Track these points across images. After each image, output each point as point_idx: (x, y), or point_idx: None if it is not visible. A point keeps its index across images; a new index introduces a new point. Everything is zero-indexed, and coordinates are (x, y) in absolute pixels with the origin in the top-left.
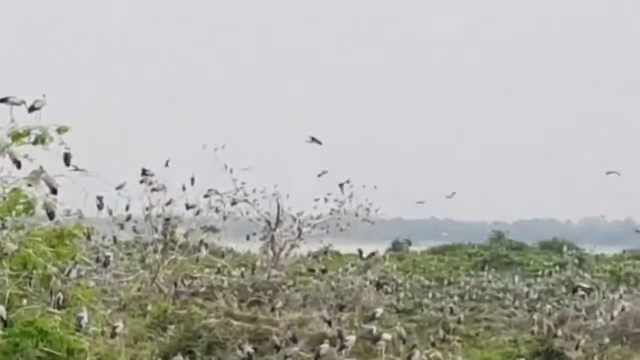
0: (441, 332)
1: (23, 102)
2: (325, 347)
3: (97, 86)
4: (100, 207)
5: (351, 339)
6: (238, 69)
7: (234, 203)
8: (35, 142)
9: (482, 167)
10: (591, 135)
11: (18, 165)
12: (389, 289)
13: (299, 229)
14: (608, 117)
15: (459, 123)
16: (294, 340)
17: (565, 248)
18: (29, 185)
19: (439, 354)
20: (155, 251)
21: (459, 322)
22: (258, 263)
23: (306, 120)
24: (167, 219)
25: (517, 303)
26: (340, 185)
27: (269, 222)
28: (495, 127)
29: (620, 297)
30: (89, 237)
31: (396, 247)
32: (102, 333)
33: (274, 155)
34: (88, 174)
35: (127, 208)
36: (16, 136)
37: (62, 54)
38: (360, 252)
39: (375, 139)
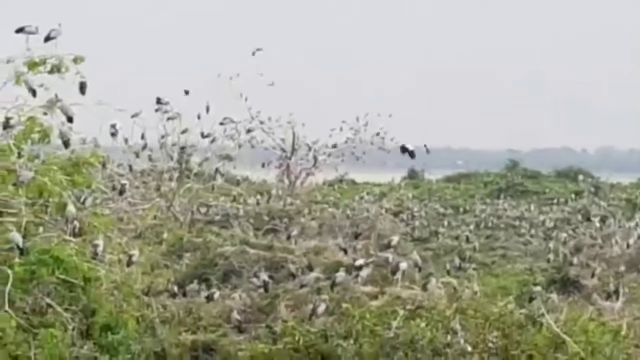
0: (457, 260)
1: (37, 29)
2: (341, 275)
3: (113, 14)
4: (114, 135)
5: (367, 266)
6: None
7: (249, 131)
8: (51, 71)
9: (497, 95)
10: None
11: (33, 93)
12: (405, 217)
13: (315, 157)
14: None
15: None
16: (310, 268)
17: (580, 176)
18: (45, 113)
19: (454, 281)
20: (170, 179)
21: (474, 250)
22: (274, 191)
23: (325, 49)
24: (183, 147)
25: (532, 231)
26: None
27: (284, 150)
28: (521, 54)
29: (636, 225)
30: (104, 166)
31: (412, 175)
32: (118, 261)
33: (290, 84)
34: (103, 102)
35: (142, 136)
36: (32, 65)
37: None
38: None
39: (394, 65)
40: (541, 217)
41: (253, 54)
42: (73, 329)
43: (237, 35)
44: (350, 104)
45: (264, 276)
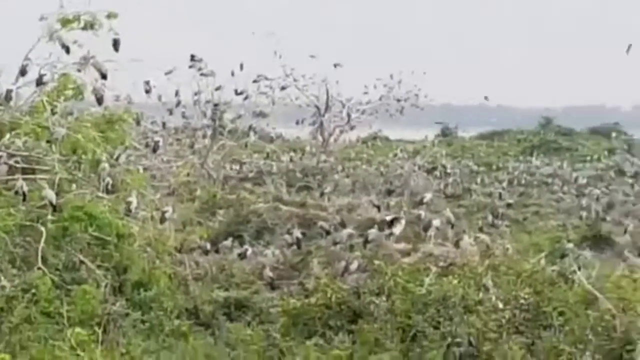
0: (489, 217)
1: None
2: (373, 232)
3: None
4: (148, 92)
5: (400, 223)
6: None
7: (283, 88)
8: (84, 28)
9: (530, 53)
10: None
11: (67, 50)
12: (438, 175)
13: (348, 115)
14: None
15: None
16: (343, 225)
17: (614, 134)
18: (78, 70)
19: (487, 238)
20: (204, 136)
21: (507, 207)
22: (307, 148)
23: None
24: (216, 105)
25: (565, 188)
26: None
27: (318, 108)
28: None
29: None
30: (138, 123)
31: (445, 132)
32: (152, 218)
33: (324, 42)
34: (137, 59)
35: (176, 93)
36: (65, 22)
37: None
38: None
39: (427, 25)
40: (574, 175)
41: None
42: (106, 286)
43: None
44: (384, 60)
45: (297, 233)
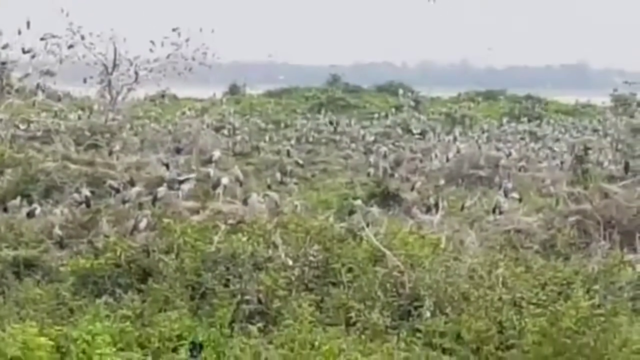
0: (278, 175)
1: None
2: (162, 190)
3: None
4: None
5: (189, 181)
6: None
7: (70, 46)
8: None
9: (317, 11)
10: None
11: None
12: (226, 133)
13: (136, 73)
14: None
15: None
16: (132, 183)
17: (401, 91)
18: None
19: (275, 196)
20: None
21: (295, 164)
22: (95, 107)
23: None
24: (3, 63)
25: (353, 145)
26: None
27: (105, 66)
28: None
29: (455, 139)
30: None
31: (233, 90)
32: None
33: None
34: None
35: None
36: None
37: None
38: None
39: None
40: (362, 132)
41: None
42: None
43: None
44: (173, 18)
45: (86, 192)
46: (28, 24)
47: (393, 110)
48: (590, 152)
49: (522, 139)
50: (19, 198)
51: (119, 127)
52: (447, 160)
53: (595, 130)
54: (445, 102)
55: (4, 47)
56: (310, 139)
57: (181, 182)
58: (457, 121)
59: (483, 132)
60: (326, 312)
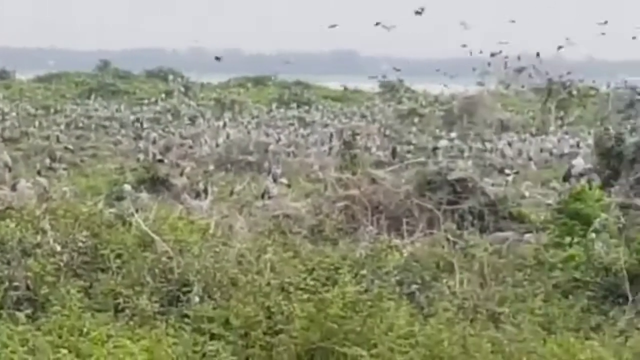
0: (47, 161)
1: None
2: None
3: None
4: None
5: None
6: None
7: None
8: None
9: None
10: None
11: None
12: None
13: None
14: None
15: None
16: None
17: (171, 76)
18: None
19: (44, 181)
20: None
21: (65, 150)
22: None
23: None
24: None
25: (123, 131)
26: None
27: None
28: None
29: (225, 124)
30: None
31: (2, 76)
32: None
33: None
34: None
35: None
36: None
37: None
38: None
39: None
40: (132, 117)
41: None
42: None
43: None
44: None
45: None
46: None
47: (163, 95)
48: (358, 137)
49: (291, 124)
50: None
51: None
52: (217, 145)
53: (363, 116)
54: (215, 87)
55: None
56: (80, 125)
57: None
58: (227, 107)
59: (253, 118)
60: (95, 298)
